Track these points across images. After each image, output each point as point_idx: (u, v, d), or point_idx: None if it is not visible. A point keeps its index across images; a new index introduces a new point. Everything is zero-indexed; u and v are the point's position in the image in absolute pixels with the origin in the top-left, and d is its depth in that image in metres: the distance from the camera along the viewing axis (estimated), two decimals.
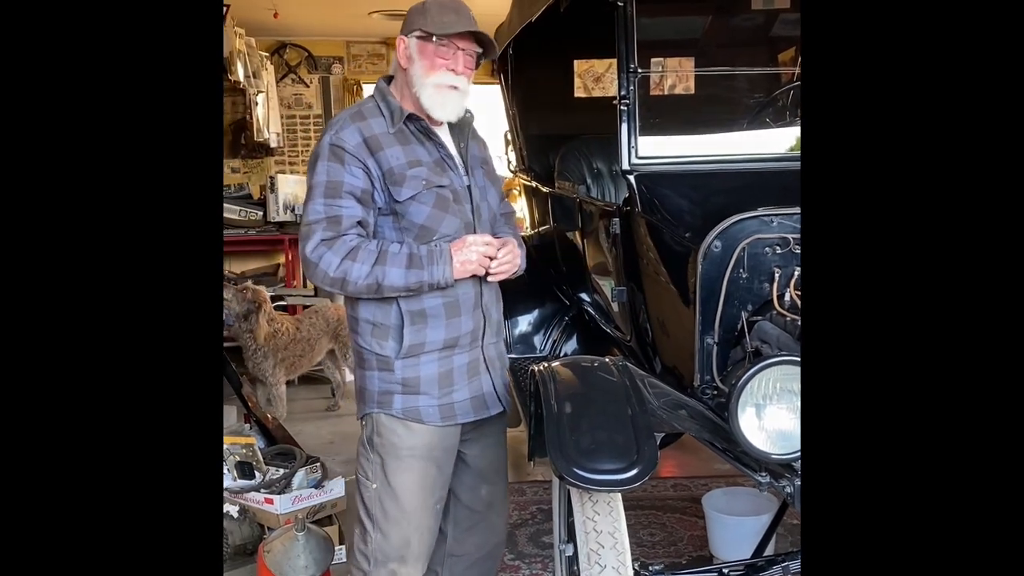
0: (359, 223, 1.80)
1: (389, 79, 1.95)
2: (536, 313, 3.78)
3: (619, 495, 1.62)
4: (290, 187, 5.41)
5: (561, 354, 3.57)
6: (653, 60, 3.68)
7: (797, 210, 2.14)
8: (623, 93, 2.36)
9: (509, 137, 4.33)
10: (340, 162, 1.79)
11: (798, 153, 3.04)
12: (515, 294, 3.83)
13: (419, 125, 1.87)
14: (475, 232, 1.90)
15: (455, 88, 1.86)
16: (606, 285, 2.99)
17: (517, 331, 3.76)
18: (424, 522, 1.91)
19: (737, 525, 2.58)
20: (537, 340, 3.76)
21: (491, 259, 1.85)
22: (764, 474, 1.75)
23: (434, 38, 1.83)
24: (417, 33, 1.85)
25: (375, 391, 1.88)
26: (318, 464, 3.05)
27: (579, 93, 4.34)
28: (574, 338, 3.71)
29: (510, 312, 3.77)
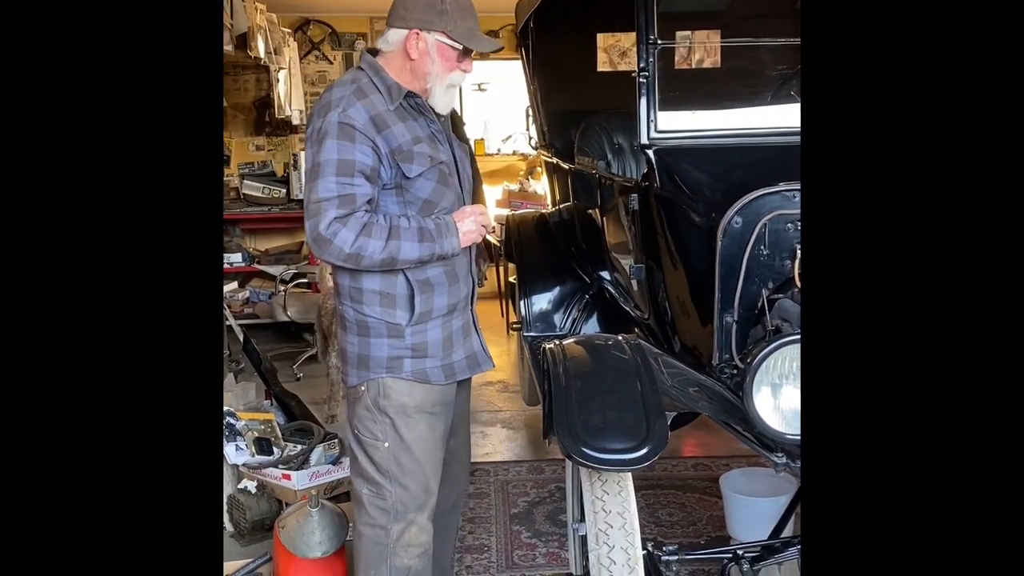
0: (368, 201, 1.84)
1: (373, 51, 1.97)
2: (556, 291, 3.75)
3: (629, 475, 1.59)
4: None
5: (581, 333, 3.54)
6: (679, 33, 3.60)
7: None
8: (642, 65, 2.31)
9: (530, 113, 4.27)
10: (351, 140, 1.80)
11: None
12: (535, 272, 3.81)
13: (415, 101, 1.93)
14: (463, 202, 2.01)
15: (460, 84, 1.98)
16: (625, 263, 2.94)
17: (537, 309, 3.73)
18: (436, 471, 2.02)
19: (754, 506, 2.54)
20: (557, 318, 3.73)
21: (485, 227, 1.96)
22: (780, 455, 1.72)
23: (461, 47, 1.91)
24: (440, 36, 1.88)
25: (383, 356, 1.93)
26: (336, 440, 3.06)
27: (604, 68, 4.26)
28: (594, 317, 3.67)
29: (529, 290, 3.76)
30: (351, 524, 2.79)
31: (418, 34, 1.88)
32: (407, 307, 1.91)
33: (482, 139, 7.48)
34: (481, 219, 1.94)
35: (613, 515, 1.54)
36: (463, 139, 5.42)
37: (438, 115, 1.98)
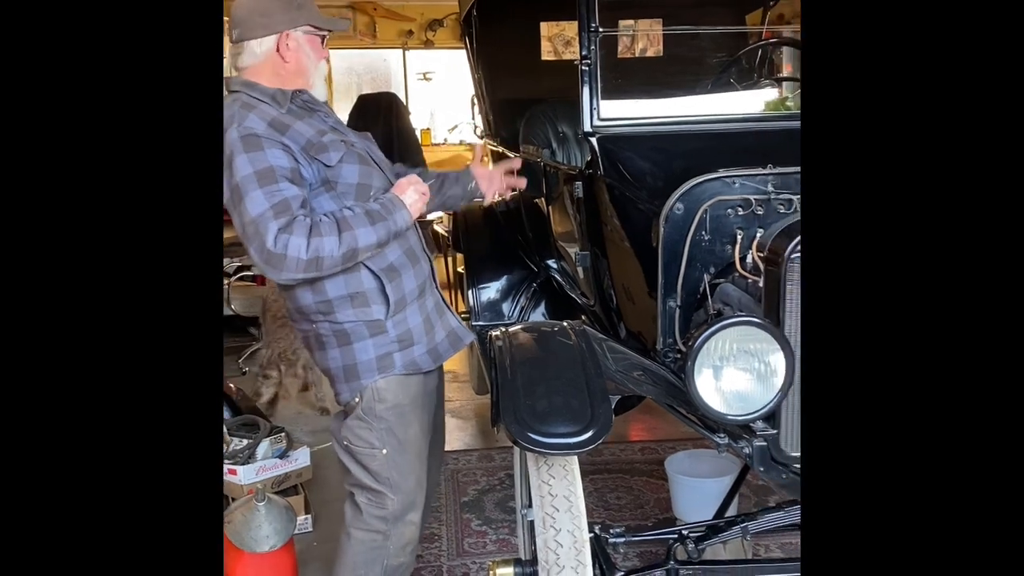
0: (302, 204, 1.75)
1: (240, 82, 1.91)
2: (504, 280, 3.76)
3: (575, 459, 1.61)
4: None
5: (529, 321, 3.56)
6: (623, 22, 3.63)
7: (759, 171, 2.12)
8: (584, 53, 2.33)
9: (476, 102, 4.26)
10: (259, 148, 1.73)
11: (762, 113, 3.02)
12: (483, 262, 3.82)
13: (301, 100, 1.90)
14: (391, 182, 1.97)
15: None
16: (571, 250, 2.96)
17: (485, 298, 3.74)
18: (425, 464, 2.01)
19: (699, 487, 2.59)
20: (505, 307, 3.75)
21: (424, 195, 1.93)
22: (722, 435, 1.75)
23: (326, 32, 1.92)
24: (306, 28, 1.88)
25: (372, 359, 1.87)
26: (283, 434, 3.03)
27: (548, 56, 4.27)
28: (542, 305, 3.70)
29: (477, 279, 3.76)
30: (305, 517, 2.77)
31: (287, 35, 1.84)
32: (381, 300, 1.85)
33: (428, 129, 7.44)
34: (418, 187, 1.90)
35: (560, 499, 1.56)
36: (408, 128, 5.40)
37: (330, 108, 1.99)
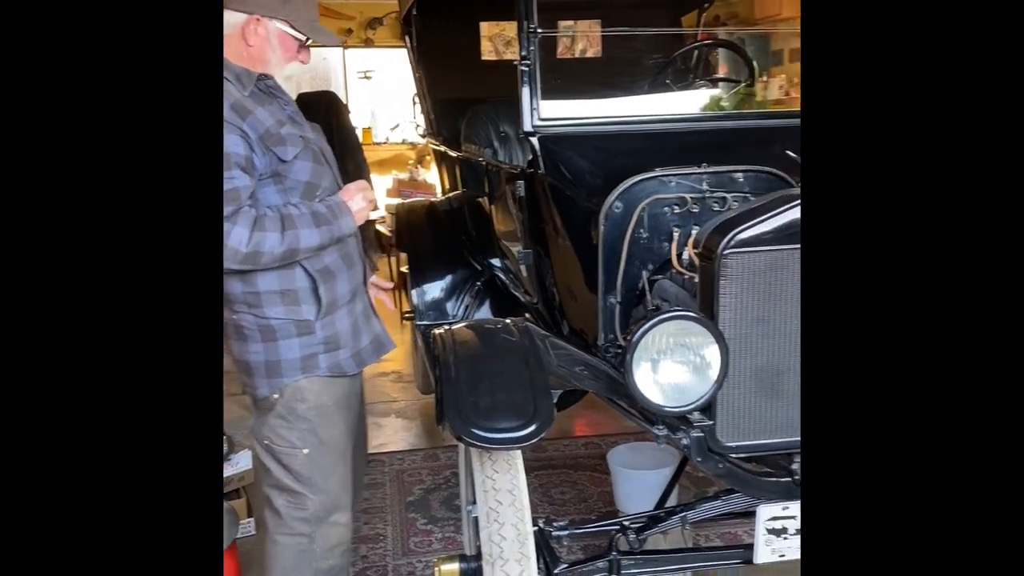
0: (250, 195, 1.75)
1: None
2: (447, 279, 3.76)
3: (518, 453, 1.63)
4: None
5: (473, 319, 3.58)
6: (562, 23, 3.67)
7: (695, 169, 2.18)
8: (523, 54, 2.35)
9: (417, 101, 4.26)
10: None
11: (698, 113, 3.09)
12: (427, 261, 3.82)
13: (266, 84, 1.89)
14: (339, 182, 1.97)
15: (295, 75, 2.01)
16: (514, 249, 2.99)
17: (429, 298, 3.74)
18: (349, 465, 2.00)
19: (640, 479, 2.65)
20: (449, 306, 3.75)
21: (371, 202, 1.94)
22: (661, 427, 1.79)
23: (307, 40, 1.89)
24: (282, 24, 1.85)
25: (297, 358, 1.86)
26: (224, 437, 2.98)
27: (489, 56, 4.29)
28: (486, 304, 3.71)
29: (421, 279, 3.76)
30: (247, 520, 2.74)
31: (259, 20, 1.82)
32: (312, 300, 1.84)
33: (369, 128, 7.39)
34: (367, 194, 1.91)
35: (503, 493, 1.58)
36: (348, 128, 5.36)
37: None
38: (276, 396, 1.87)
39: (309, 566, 1.93)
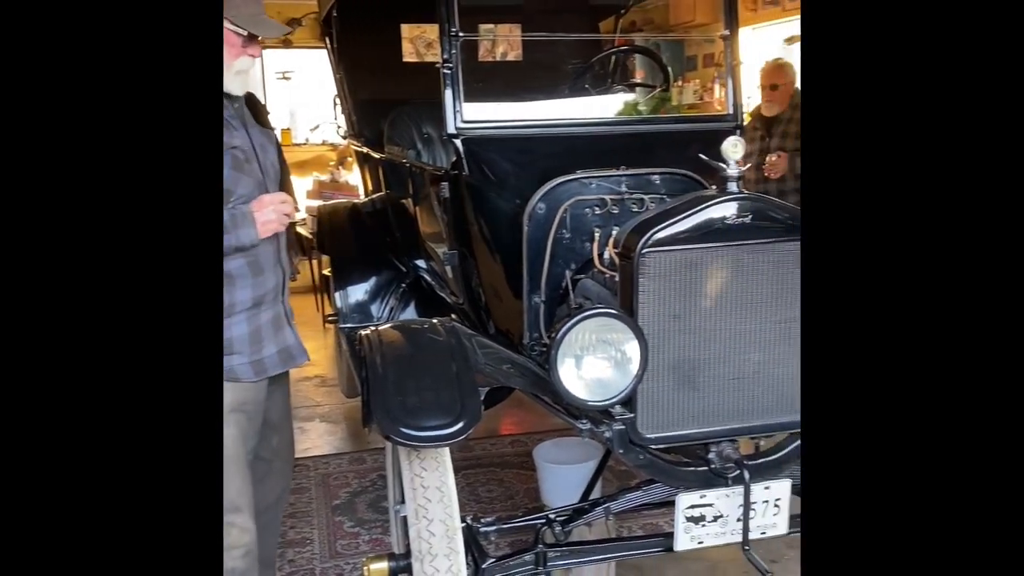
0: None
1: None
2: (372, 281, 3.75)
3: (446, 450, 1.66)
4: None
5: (399, 321, 3.57)
6: (483, 26, 3.71)
7: (614, 172, 2.25)
8: (446, 57, 2.38)
9: (338, 102, 4.22)
10: None
11: (617, 117, 3.18)
12: (349, 262, 3.79)
13: None
14: (267, 190, 1.96)
15: (249, 69, 1.96)
16: (439, 250, 3.01)
17: (353, 301, 3.71)
18: (245, 471, 1.99)
19: (564, 473, 2.70)
20: (374, 309, 3.73)
21: (287, 216, 1.93)
22: (585, 421, 1.85)
23: (246, 33, 1.88)
24: (224, 23, 1.84)
25: None
26: None
27: (410, 58, 4.29)
28: (411, 305, 3.71)
29: (345, 281, 3.73)
30: None
31: None
32: None
33: (288, 129, 7.26)
34: (282, 207, 1.90)
35: (432, 490, 1.60)
36: (267, 127, 5.26)
37: (232, 100, 1.94)
38: None
39: None
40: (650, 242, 1.72)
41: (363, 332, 1.85)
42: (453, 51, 2.37)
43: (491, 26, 3.87)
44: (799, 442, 1.90)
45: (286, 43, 6.76)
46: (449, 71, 2.38)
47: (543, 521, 1.95)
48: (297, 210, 1.98)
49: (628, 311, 1.74)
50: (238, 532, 1.95)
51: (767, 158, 4.14)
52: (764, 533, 1.86)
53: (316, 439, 3.80)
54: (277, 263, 1.99)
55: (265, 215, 1.86)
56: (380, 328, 1.85)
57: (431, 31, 4.78)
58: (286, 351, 2.02)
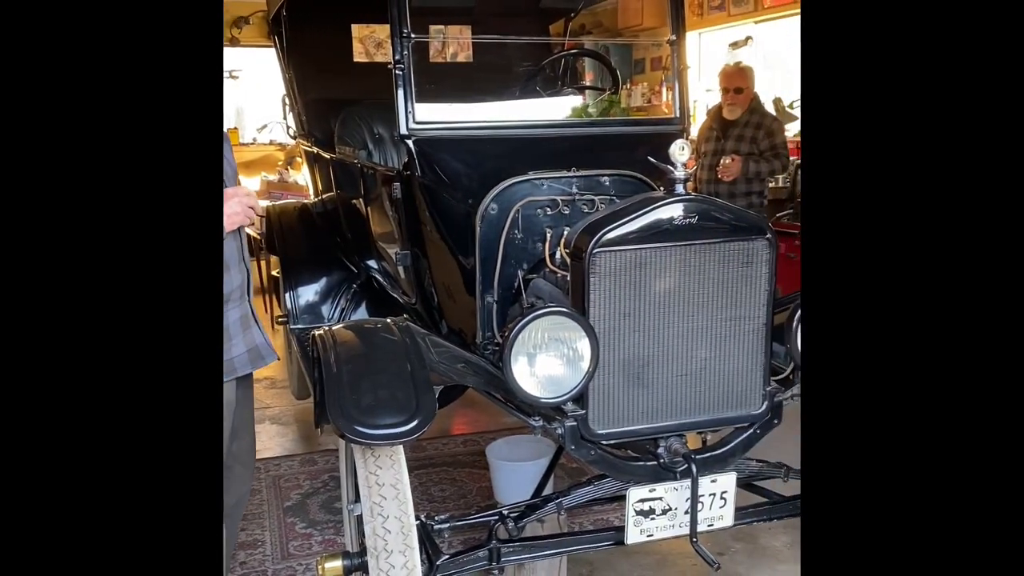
0: None
1: None
2: (323, 282, 3.73)
3: (401, 449, 1.67)
4: None
5: (351, 321, 3.56)
6: (433, 27, 3.72)
7: (565, 173, 2.29)
8: (397, 58, 2.39)
9: (287, 102, 4.19)
10: None
11: (567, 119, 3.22)
12: (299, 263, 3.77)
13: None
14: (223, 186, 1.92)
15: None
16: (391, 250, 3.02)
17: (303, 301, 3.69)
18: None
19: (517, 470, 2.73)
20: (325, 309, 3.72)
21: (253, 209, 1.90)
22: (537, 419, 1.88)
23: None
24: None
25: None
26: None
27: (360, 58, 4.27)
28: (363, 306, 3.71)
29: (295, 282, 3.71)
30: None
31: None
32: None
33: (236, 128, 7.16)
34: (247, 200, 1.87)
35: (387, 487, 1.61)
36: None
37: None
38: None
39: None
40: (600, 242, 1.75)
41: (316, 332, 1.85)
42: (405, 52, 2.39)
43: (441, 27, 3.88)
44: (744, 436, 1.96)
45: (233, 41, 6.68)
46: (401, 72, 2.39)
47: (496, 517, 1.97)
48: (258, 216, 1.96)
49: (580, 310, 1.78)
50: None
51: (721, 160, 4.23)
52: (711, 526, 1.92)
53: (267, 441, 3.76)
54: (241, 260, 1.96)
55: (230, 207, 1.82)
56: (333, 328, 1.85)
57: (381, 31, 4.77)
58: (255, 350, 1.99)
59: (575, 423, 1.82)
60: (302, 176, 6.13)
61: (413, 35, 2.40)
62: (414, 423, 1.56)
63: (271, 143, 7.03)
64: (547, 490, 2.42)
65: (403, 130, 2.41)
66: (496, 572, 2.08)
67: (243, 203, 1.87)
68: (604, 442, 1.86)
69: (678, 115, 2.68)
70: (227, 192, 1.87)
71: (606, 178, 2.33)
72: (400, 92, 2.40)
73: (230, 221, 1.84)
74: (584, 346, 1.73)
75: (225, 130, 2.11)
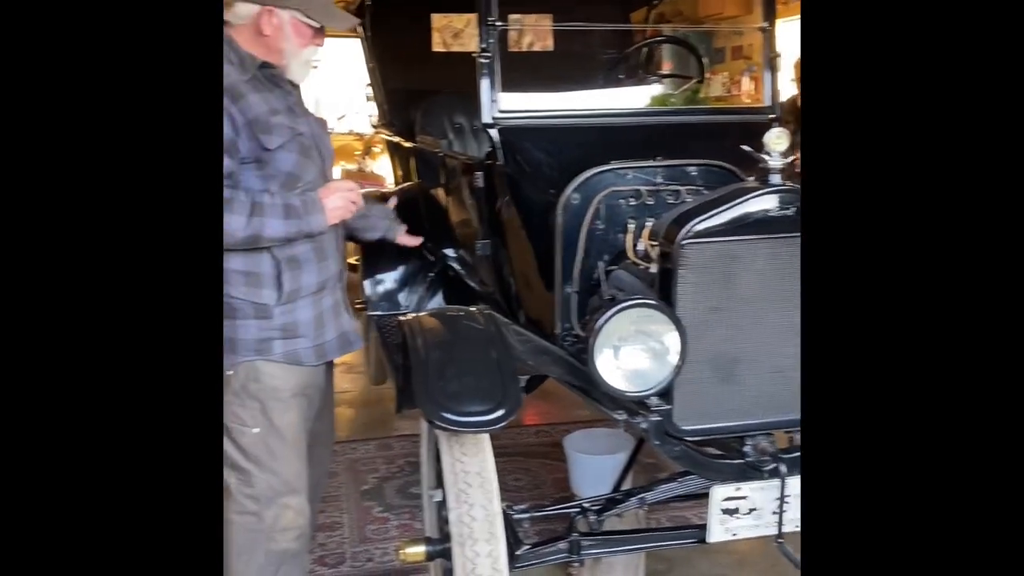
0: (228, 175, 1.79)
1: None
2: (400, 270, 3.77)
3: (486, 437, 1.67)
4: None
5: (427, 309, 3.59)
6: (511, 16, 3.71)
7: (649, 163, 2.25)
8: (483, 47, 2.38)
9: (371, 92, 4.24)
10: None
11: (650, 108, 3.17)
12: (378, 251, 3.80)
13: (269, 72, 1.91)
14: (326, 177, 1.99)
15: (314, 58, 1.99)
16: (470, 240, 3.02)
17: (381, 288, 3.74)
18: (304, 454, 2.01)
19: (596, 463, 2.71)
20: (402, 297, 3.76)
21: (354, 203, 1.95)
22: (621, 412, 1.85)
23: (319, 25, 1.91)
24: (295, 13, 1.88)
25: (251, 339, 1.88)
26: None
27: (438, 48, 4.30)
28: (439, 294, 3.73)
29: (373, 270, 3.76)
30: None
31: (271, 11, 1.86)
32: (274, 286, 1.87)
33: None
34: (350, 195, 1.92)
35: (472, 475, 1.62)
36: None
37: (294, 87, 1.97)
38: (230, 373, 1.90)
39: (261, 546, 1.95)
40: (691, 233, 1.72)
41: (402, 319, 1.87)
42: (491, 40, 2.38)
43: (518, 16, 3.87)
44: None
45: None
46: (486, 60, 2.39)
47: (577, 510, 1.96)
48: (358, 208, 2.00)
49: (666, 302, 1.74)
50: (293, 514, 1.97)
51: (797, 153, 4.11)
52: (798, 527, 1.86)
53: (343, 424, 3.83)
54: (337, 250, 2.02)
55: (333, 201, 1.88)
56: (420, 315, 1.86)
57: (457, 20, 4.79)
58: (344, 336, 2.04)
59: (660, 418, 1.79)
60: (380, 165, 6.22)
61: (499, 23, 2.38)
62: (501, 412, 1.56)
63: (349, 132, 7.15)
64: (626, 485, 2.39)
65: (486, 119, 2.41)
66: (576, 565, 2.06)
67: (345, 197, 1.92)
68: (689, 438, 1.83)
69: (769, 103, 2.61)
70: (331, 186, 1.92)
71: (693, 168, 2.27)
72: (484, 81, 2.39)
73: (333, 215, 1.89)
74: (672, 339, 1.70)
75: (322, 116, 2.19)
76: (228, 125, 1.76)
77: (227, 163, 1.77)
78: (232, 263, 1.85)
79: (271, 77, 1.90)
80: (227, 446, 1.93)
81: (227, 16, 1.90)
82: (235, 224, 1.75)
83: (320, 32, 1.93)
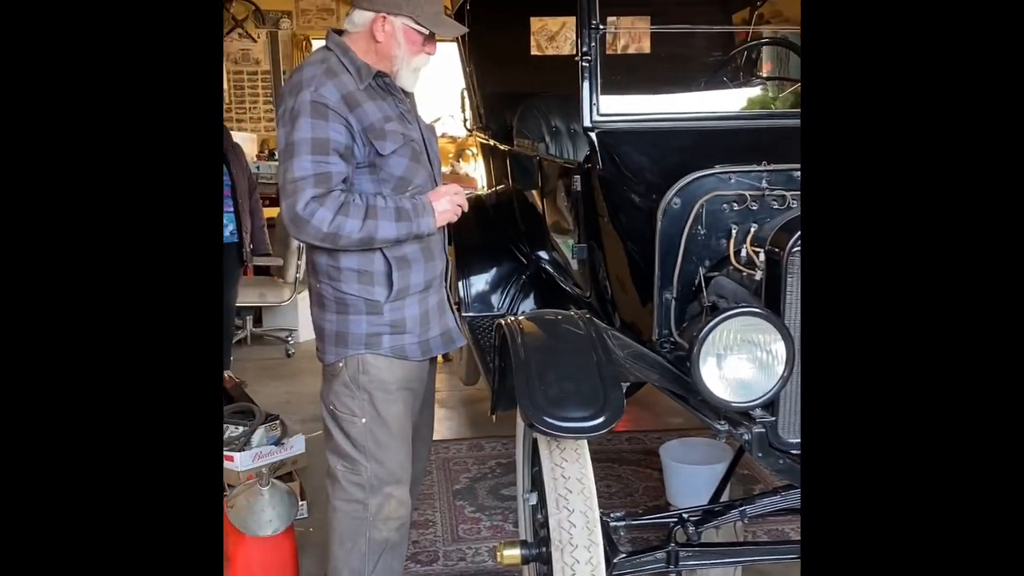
0: (343, 179, 1.87)
1: (338, 31, 2.01)
2: (494, 272, 3.81)
3: (586, 442, 1.66)
4: (242, 145, 5.30)
5: (519, 312, 3.60)
6: (608, 19, 3.69)
7: (754, 167, 2.19)
8: (584, 50, 2.37)
9: (466, 95, 4.29)
10: (324, 119, 1.83)
11: (755, 111, 3.09)
12: (472, 253, 3.86)
13: (383, 81, 1.97)
14: (435, 180, 2.05)
15: (424, 66, 2.03)
16: (565, 243, 3.02)
17: (474, 290, 3.79)
18: (408, 445, 2.07)
19: (694, 473, 2.66)
20: (495, 299, 3.79)
21: (461, 207, 2.01)
22: (723, 423, 1.81)
23: (428, 32, 1.95)
24: (406, 20, 1.93)
25: (362, 333, 1.97)
26: (278, 422, 3.05)
27: (535, 51, 4.32)
28: (532, 296, 3.75)
29: (468, 271, 3.80)
30: (301, 503, 2.80)
31: (385, 18, 1.91)
32: (385, 284, 1.94)
33: None
34: (456, 199, 1.99)
35: (572, 481, 1.62)
36: None
37: (406, 94, 2.02)
38: (341, 364, 1.98)
39: (364, 534, 2.01)
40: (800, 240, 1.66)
41: (501, 321, 1.89)
42: (592, 44, 2.36)
43: (613, 19, 3.84)
44: None
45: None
46: (588, 64, 2.37)
47: (675, 520, 1.93)
48: (463, 212, 2.05)
49: (774, 311, 1.70)
50: (396, 504, 2.03)
51: None
52: None
53: (436, 424, 3.88)
54: (443, 250, 2.09)
55: (442, 205, 1.95)
56: (519, 318, 1.87)
57: (552, 23, 4.80)
58: (447, 334, 2.10)
59: (763, 430, 1.75)
60: (471, 168, 6.29)
61: (602, 27, 2.37)
62: (603, 418, 1.55)
63: (443, 136, 7.25)
64: (724, 496, 2.34)
65: (587, 122, 2.40)
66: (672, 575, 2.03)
67: (452, 200, 1.98)
68: (794, 451, 1.77)
69: None
70: (439, 190, 1.99)
71: (799, 173, 2.20)
72: (585, 84, 2.38)
73: (442, 217, 1.96)
74: (780, 349, 1.65)
75: (430, 122, 2.23)
76: (345, 132, 1.84)
77: (345, 167, 1.85)
78: (347, 262, 1.93)
79: (385, 86, 1.97)
80: (337, 434, 2.01)
81: (345, 24, 1.98)
82: (351, 227, 1.83)
83: (431, 40, 1.98)
